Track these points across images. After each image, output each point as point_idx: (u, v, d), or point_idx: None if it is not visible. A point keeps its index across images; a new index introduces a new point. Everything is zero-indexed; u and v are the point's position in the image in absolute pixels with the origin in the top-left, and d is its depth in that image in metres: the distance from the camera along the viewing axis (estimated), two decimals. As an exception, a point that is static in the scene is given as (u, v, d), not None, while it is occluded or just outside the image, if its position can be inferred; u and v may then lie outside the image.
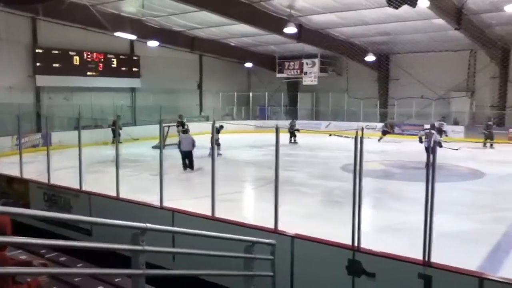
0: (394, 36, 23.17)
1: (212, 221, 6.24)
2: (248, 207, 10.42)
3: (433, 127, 19.59)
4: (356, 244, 4.90)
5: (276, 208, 5.63)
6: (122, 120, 21.53)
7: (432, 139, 10.62)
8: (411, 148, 19.29)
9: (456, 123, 25.37)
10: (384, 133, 22.68)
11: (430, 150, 4.53)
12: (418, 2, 13.47)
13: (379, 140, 21.24)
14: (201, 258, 4.73)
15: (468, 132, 23.68)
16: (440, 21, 18.14)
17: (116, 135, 13.77)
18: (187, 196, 9.77)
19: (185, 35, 25.01)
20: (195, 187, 11.23)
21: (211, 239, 4.54)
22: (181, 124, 18.81)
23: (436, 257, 4.55)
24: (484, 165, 14.93)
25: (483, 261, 6.18)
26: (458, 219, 8.23)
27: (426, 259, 4.46)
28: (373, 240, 5.93)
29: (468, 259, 5.98)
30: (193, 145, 13.80)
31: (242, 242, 4.54)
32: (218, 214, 6.38)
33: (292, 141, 21.94)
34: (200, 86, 30.44)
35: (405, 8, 14.66)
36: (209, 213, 6.39)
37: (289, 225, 5.90)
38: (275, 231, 5.55)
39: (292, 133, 21.95)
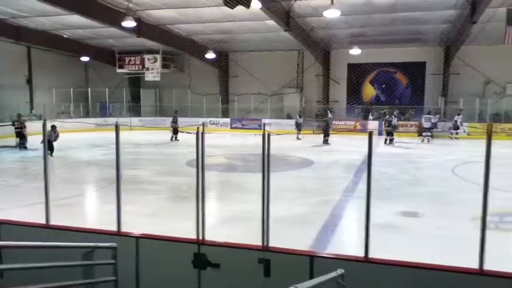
0: (231, 35, 24.17)
1: (47, 229, 5.73)
2: (90, 210, 9.83)
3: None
4: (200, 237, 5.03)
5: (119, 209, 5.44)
6: None
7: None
8: (252, 141, 20.50)
9: (289, 117, 27.68)
10: (389, 133, 20.75)
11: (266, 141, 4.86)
12: (251, 4, 14.25)
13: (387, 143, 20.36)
14: (36, 271, 4.33)
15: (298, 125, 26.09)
16: (272, 22, 19.53)
17: None
18: (17, 204, 8.78)
19: (8, 24, 22.27)
20: (26, 193, 10.12)
21: (46, 249, 4.19)
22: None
23: (274, 241, 4.94)
24: (313, 154, 16.65)
25: (314, 240, 6.91)
26: (291, 204, 9.01)
27: (265, 244, 4.81)
28: (219, 232, 6.17)
29: (301, 240, 6.64)
30: None
31: (80, 249, 4.30)
32: (55, 221, 5.89)
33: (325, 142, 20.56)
34: (29, 81, 27.45)
35: (240, 9, 15.43)
36: (43, 221, 5.86)
37: (134, 226, 5.76)
38: (118, 234, 5.36)
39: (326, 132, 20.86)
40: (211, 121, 27.42)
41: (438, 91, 25.91)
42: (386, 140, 20.51)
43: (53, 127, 15.78)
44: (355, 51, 24.51)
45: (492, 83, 25.00)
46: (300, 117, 23.89)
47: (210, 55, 26.28)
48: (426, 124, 22.03)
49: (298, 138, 22.74)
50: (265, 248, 4.78)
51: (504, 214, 8.22)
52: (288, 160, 15.37)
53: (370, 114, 26.63)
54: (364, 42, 24.11)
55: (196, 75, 29.70)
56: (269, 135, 4.78)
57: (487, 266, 3.76)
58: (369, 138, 4.33)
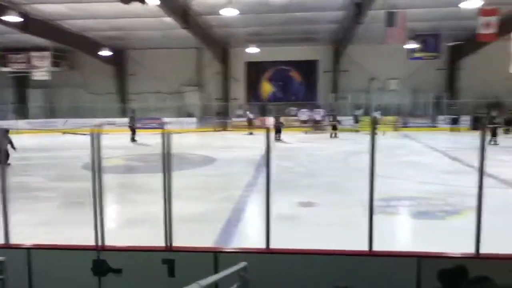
0: (128, 31, 23.35)
1: None
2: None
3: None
4: (100, 243, 4.84)
5: (6, 219, 5.02)
6: None
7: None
8: (152, 141, 20.04)
9: (189, 115, 27.55)
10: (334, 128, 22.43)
11: (166, 140, 4.81)
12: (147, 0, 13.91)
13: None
14: None
15: (200, 123, 26.19)
16: (169, 20, 19.24)
17: None
18: None
19: None
20: None
21: None
22: None
23: (179, 241, 4.92)
24: (214, 151, 16.78)
25: (217, 236, 6.99)
26: (195, 202, 9.01)
27: (168, 244, 4.77)
28: (121, 236, 5.95)
29: (206, 237, 6.69)
30: None
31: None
32: None
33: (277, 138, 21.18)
34: None
35: (136, 5, 14.97)
36: None
37: (26, 236, 5.37)
38: (6, 246, 4.94)
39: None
40: (108, 121, 26.28)
41: (330, 88, 27.60)
42: (331, 134, 22.04)
43: (6, 131, 13.37)
44: (252, 49, 25.11)
45: (376, 79, 27.28)
46: (251, 113, 25.32)
47: (105, 52, 25.13)
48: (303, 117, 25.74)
49: (250, 133, 23.71)
50: (168, 248, 4.74)
51: (389, 198, 9.04)
52: (190, 159, 15.31)
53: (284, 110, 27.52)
54: (261, 41, 24.79)
55: (91, 73, 28.23)
56: (169, 134, 4.75)
57: (376, 247, 4.13)
58: (266, 134, 4.50)
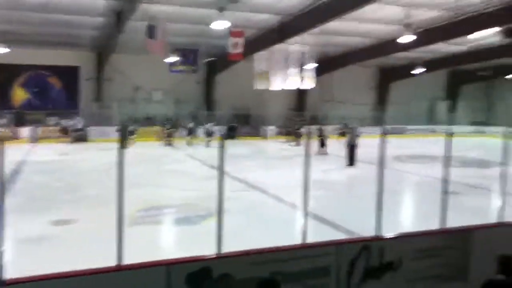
0: None
1: None
2: None
3: None
4: None
5: None
6: None
7: None
8: None
9: None
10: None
11: None
12: None
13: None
14: None
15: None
16: None
17: None
18: None
19: None
20: None
21: None
22: None
23: None
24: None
25: None
26: None
27: None
28: None
29: None
30: None
31: None
32: None
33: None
34: None
35: None
36: None
37: None
38: None
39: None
40: None
41: (94, 96, 26.47)
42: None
43: None
44: (0, 49, 21.98)
45: (141, 89, 27.49)
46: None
47: None
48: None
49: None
50: None
51: (150, 208, 9.19)
52: None
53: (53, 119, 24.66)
54: (12, 41, 21.91)
55: None
56: None
57: (131, 260, 4.02)
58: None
